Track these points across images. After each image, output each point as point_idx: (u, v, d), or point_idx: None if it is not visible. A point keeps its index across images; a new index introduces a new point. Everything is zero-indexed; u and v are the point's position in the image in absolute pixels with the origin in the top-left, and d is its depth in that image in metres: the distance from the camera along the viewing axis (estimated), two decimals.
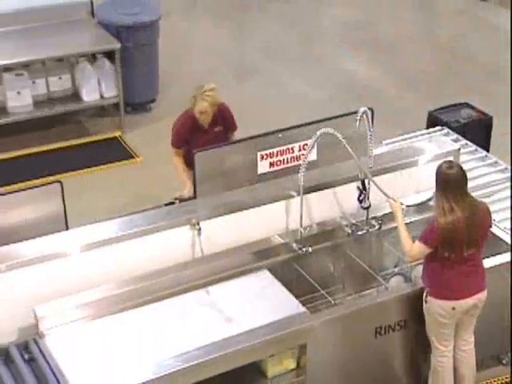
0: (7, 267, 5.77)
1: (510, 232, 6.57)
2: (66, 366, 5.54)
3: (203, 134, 7.43)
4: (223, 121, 7.51)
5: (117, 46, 9.46)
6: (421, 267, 6.25)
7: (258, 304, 6.09)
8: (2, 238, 6.04)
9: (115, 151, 9.44)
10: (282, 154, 7.01)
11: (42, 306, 5.80)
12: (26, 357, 5.66)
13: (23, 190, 6.49)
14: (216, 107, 7.35)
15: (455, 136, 7.76)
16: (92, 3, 9.94)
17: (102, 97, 9.70)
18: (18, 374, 5.56)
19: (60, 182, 6.29)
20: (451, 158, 6.67)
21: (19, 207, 6.22)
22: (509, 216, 6.83)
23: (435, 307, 5.95)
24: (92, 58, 9.70)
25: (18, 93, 9.36)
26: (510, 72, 9.94)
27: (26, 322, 5.83)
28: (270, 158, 7.01)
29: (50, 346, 5.69)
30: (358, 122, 6.34)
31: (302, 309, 6.05)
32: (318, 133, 6.26)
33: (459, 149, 7.19)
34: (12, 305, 5.81)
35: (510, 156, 7.15)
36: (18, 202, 6.24)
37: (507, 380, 6.64)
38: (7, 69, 9.25)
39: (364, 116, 6.36)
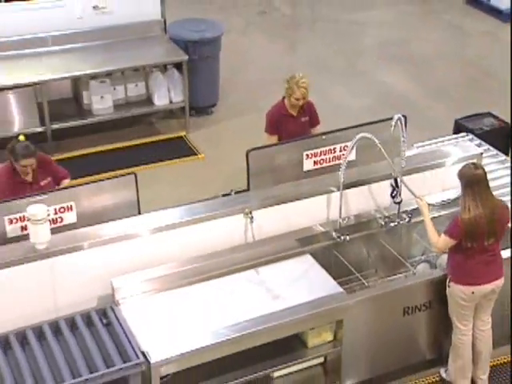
0: (89, 245, 5.94)
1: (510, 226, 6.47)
2: (137, 330, 5.68)
3: (292, 121, 7.52)
4: (309, 113, 7.59)
5: (185, 58, 9.59)
6: (445, 256, 6.32)
7: (301, 284, 6.18)
8: (87, 220, 6.20)
9: (180, 149, 9.56)
10: (324, 154, 7.04)
11: (117, 279, 5.97)
12: (104, 321, 5.79)
13: (104, 179, 6.63)
14: (307, 96, 7.42)
15: (478, 141, 7.74)
16: (165, 22, 10.08)
17: (170, 101, 9.84)
18: (98, 336, 5.69)
19: (134, 173, 6.42)
20: (474, 161, 6.69)
21: (100, 194, 6.38)
22: None
23: (457, 291, 6.02)
24: (163, 68, 9.84)
25: (102, 97, 9.57)
26: (510, 75, 9.99)
27: (104, 291, 5.99)
28: (315, 157, 7.04)
29: (123, 312, 5.84)
30: (392, 128, 6.38)
31: (340, 289, 6.12)
32: (358, 136, 6.34)
33: (482, 153, 7.20)
34: (93, 277, 5.98)
35: (510, 154, 7.09)
36: (99, 190, 6.39)
37: None
38: (93, 77, 9.47)
39: (398, 122, 6.40)
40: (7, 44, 9.41)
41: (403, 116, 6.50)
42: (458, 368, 6.30)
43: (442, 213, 6.78)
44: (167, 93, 9.78)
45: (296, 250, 6.48)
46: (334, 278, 6.24)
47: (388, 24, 12.58)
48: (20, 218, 6.03)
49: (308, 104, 7.57)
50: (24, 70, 9.22)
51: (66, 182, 6.97)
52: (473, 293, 5.99)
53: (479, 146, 7.56)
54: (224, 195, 6.91)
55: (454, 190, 6.71)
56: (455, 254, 6.03)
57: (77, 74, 9.45)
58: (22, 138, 6.65)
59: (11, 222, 6.08)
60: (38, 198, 6.05)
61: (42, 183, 6.74)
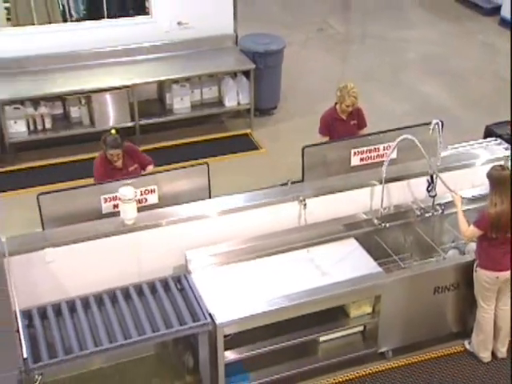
0: (167, 222, 6.06)
1: None
2: (206, 296, 5.77)
3: (342, 124, 7.47)
4: (357, 117, 7.54)
5: (252, 67, 9.62)
6: (473, 244, 6.27)
7: (346, 263, 6.18)
8: (166, 201, 6.30)
9: (246, 144, 9.59)
10: (370, 152, 7.00)
11: (190, 252, 6.06)
12: (178, 287, 5.90)
13: (181, 168, 6.71)
14: (356, 103, 7.40)
15: (506, 145, 7.59)
16: (236, 36, 10.11)
17: (238, 103, 9.86)
18: (173, 299, 5.80)
19: (207, 164, 6.47)
20: (502, 163, 6.64)
21: (178, 180, 6.46)
22: None
23: (482, 276, 6.00)
24: (234, 75, 9.85)
25: (181, 99, 9.65)
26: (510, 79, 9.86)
27: (179, 262, 6.10)
28: (361, 154, 7.00)
29: (194, 280, 5.92)
30: (431, 131, 6.37)
31: (379, 269, 6.12)
32: (400, 137, 6.31)
33: (508, 156, 7.11)
34: (170, 249, 6.08)
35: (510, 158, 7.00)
36: (177, 177, 6.48)
37: None
38: (175, 81, 9.56)
39: (435, 126, 6.38)
40: (107, 53, 9.57)
41: (440, 121, 6.47)
42: (480, 341, 6.28)
43: (471, 207, 6.68)
44: (236, 96, 9.81)
45: (342, 233, 6.46)
46: (375, 260, 6.22)
47: (429, 41, 12.45)
48: (113, 197, 6.14)
49: (357, 109, 7.53)
50: (119, 75, 9.36)
51: (150, 167, 7.04)
52: (497, 278, 5.96)
53: (506, 149, 7.41)
54: (282, 185, 6.86)
55: (483, 187, 6.63)
56: (482, 242, 6.00)
57: (162, 78, 9.54)
58: (113, 132, 6.77)
59: (106, 200, 6.21)
60: (128, 181, 6.15)
61: (130, 169, 6.83)
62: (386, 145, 6.91)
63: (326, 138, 7.48)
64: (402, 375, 6.21)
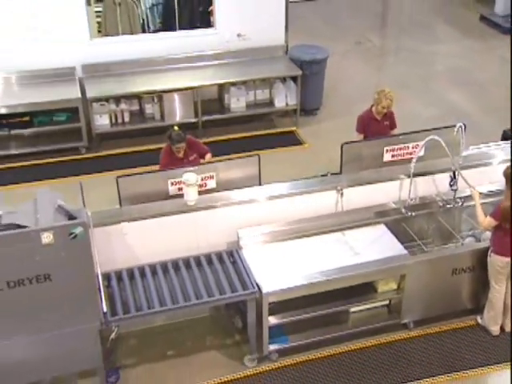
0: (222, 205, 6.07)
1: None
2: (254, 268, 5.79)
3: (377, 124, 7.40)
4: (390, 119, 7.47)
5: (299, 73, 9.55)
6: (488, 233, 6.18)
7: (376, 245, 6.12)
8: (223, 186, 6.32)
9: (291, 139, 9.53)
10: (400, 150, 6.93)
11: (241, 230, 6.07)
12: (231, 260, 5.94)
13: (236, 158, 6.72)
14: (391, 106, 7.34)
15: None
16: (287, 46, 10.05)
17: (286, 104, 9.79)
18: (226, 270, 5.84)
19: (258, 155, 6.47)
20: None
21: (233, 169, 6.47)
22: None
23: (496, 261, 5.91)
24: (283, 80, 9.79)
25: (238, 99, 9.65)
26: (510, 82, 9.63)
27: (232, 238, 6.11)
28: (392, 151, 6.93)
29: (245, 255, 5.95)
30: (455, 133, 6.30)
31: (405, 251, 6.05)
32: (428, 138, 6.24)
33: None
34: (224, 227, 6.09)
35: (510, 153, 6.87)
36: (232, 166, 6.49)
37: None
38: (233, 84, 9.56)
39: (459, 129, 6.32)
40: (177, 59, 9.61)
41: (463, 125, 6.41)
42: (491, 316, 6.19)
43: (488, 200, 6.52)
44: (284, 98, 9.75)
45: (373, 220, 6.40)
46: (401, 243, 6.15)
47: (455, 55, 12.22)
48: (178, 182, 6.18)
49: (390, 112, 7.46)
50: (186, 78, 9.38)
51: (209, 156, 7.05)
52: (508, 262, 5.85)
53: None
54: (322, 176, 6.88)
55: (499, 183, 6.45)
56: (497, 232, 5.88)
57: (222, 81, 9.56)
58: (176, 128, 6.81)
59: (172, 184, 6.25)
60: (191, 168, 6.20)
61: (190, 158, 6.86)
62: (414, 144, 6.82)
63: (361, 136, 7.42)
64: (420, 344, 6.15)
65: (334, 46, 10.96)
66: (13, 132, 8.92)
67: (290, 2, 10.05)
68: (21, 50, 9.04)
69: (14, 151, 8.92)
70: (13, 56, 9.03)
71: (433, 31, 13.56)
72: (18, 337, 5.11)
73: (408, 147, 6.94)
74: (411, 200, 6.46)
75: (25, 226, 4.81)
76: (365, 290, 6.13)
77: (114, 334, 5.69)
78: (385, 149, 6.93)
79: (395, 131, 7.52)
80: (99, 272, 5.18)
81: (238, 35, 9.84)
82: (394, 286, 6.17)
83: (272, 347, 5.88)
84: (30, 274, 4.86)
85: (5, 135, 8.90)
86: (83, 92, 8.96)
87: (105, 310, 5.22)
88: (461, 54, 12.42)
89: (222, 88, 9.76)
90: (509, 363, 5.89)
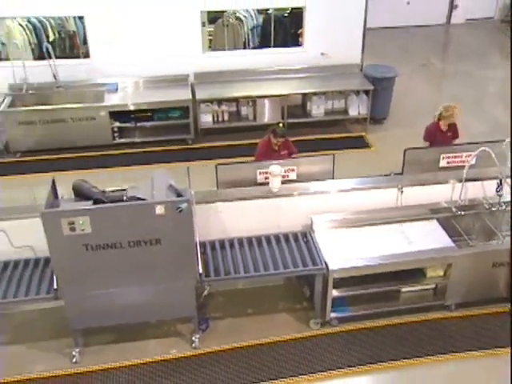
0: (300, 193, 6.00)
1: None
2: (323, 248, 5.69)
3: (442, 135, 7.18)
4: (453, 130, 7.22)
5: (371, 88, 9.32)
6: None
7: (428, 237, 5.90)
8: (302, 178, 6.24)
9: (361, 143, 9.31)
10: (455, 158, 6.70)
11: (315, 216, 5.97)
12: (304, 240, 5.85)
13: (314, 155, 6.63)
14: (455, 119, 7.14)
15: None
16: (362, 65, 9.84)
17: (358, 113, 9.56)
18: (300, 248, 5.73)
19: (333, 154, 6.38)
20: None
21: (311, 164, 6.40)
22: None
23: None
24: (357, 92, 9.57)
25: (318, 106, 9.51)
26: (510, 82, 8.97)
27: (306, 222, 6.01)
28: (448, 159, 6.71)
29: (316, 237, 5.85)
30: (503, 146, 6.02)
31: (452, 244, 5.81)
32: (479, 149, 5.93)
33: None
34: (300, 212, 5.99)
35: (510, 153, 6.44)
36: (311, 162, 6.42)
37: None
38: (315, 94, 9.43)
39: (507, 143, 6.05)
40: (270, 71, 9.55)
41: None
42: None
43: None
44: (357, 108, 9.53)
45: (427, 215, 6.17)
46: (450, 237, 5.90)
47: (504, 80, 11.62)
48: (265, 172, 6.14)
49: (453, 124, 7.20)
50: (276, 87, 9.31)
51: (295, 155, 6.97)
52: None
53: None
54: (386, 175, 6.70)
55: None
56: None
57: (305, 91, 9.43)
58: (281, 125, 6.75)
59: (260, 173, 6.23)
60: (277, 161, 6.16)
61: (282, 153, 6.80)
62: (467, 153, 6.54)
63: (428, 143, 7.19)
64: (460, 323, 5.91)
65: (402, 67, 10.62)
66: (138, 124, 9.09)
67: (368, 28, 9.80)
68: (148, 61, 9.26)
69: (137, 139, 9.12)
70: (142, 65, 9.26)
71: (486, 58, 12.94)
72: (133, 286, 5.23)
73: (462, 156, 6.70)
74: (461, 201, 6.22)
75: (144, 199, 4.91)
76: (415, 274, 5.94)
77: (206, 291, 5.77)
78: (441, 156, 6.71)
79: (457, 141, 7.25)
80: (197, 241, 5.23)
81: (322, 54, 9.68)
82: (441, 273, 5.94)
83: (333, 315, 5.79)
84: (145, 237, 4.96)
85: (131, 127, 9.09)
86: (194, 94, 9.06)
87: (200, 271, 5.26)
88: (509, 78, 11.82)
89: (305, 96, 9.63)
90: None
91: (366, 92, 9.43)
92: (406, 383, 5.35)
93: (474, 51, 13.31)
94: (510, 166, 6.11)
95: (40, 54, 9.38)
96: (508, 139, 6.05)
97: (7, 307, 5.80)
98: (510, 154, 6.08)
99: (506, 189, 6.08)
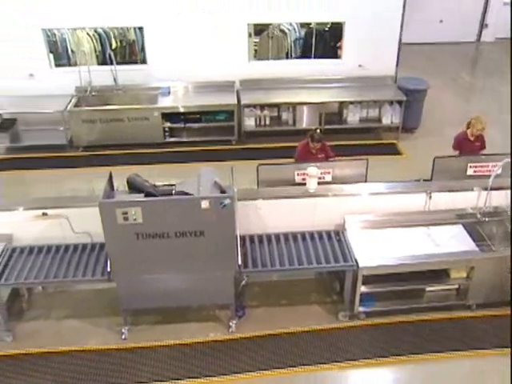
0: (334, 194, 5.85)
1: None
2: (354, 246, 5.59)
3: (470, 144, 6.97)
4: (480, 141, 7.03)
5: (404, 98, 9.11)
6: None
7: (453, 241, 5.72)
8: (337, 180, 6.16)
9: (392, 150, 9.10)
10: (481, 167, 6.49)
11: (347, 216, 5.86)
12: (337, 238, 5.75)
13: (349, 160, 6.55)
14: (483, 130, 6.93)
15: None
16: (396, 76, 9.62)
17: (391, 122, 9.35)
18: (332, 245, 5.64)
19: (367, 159, 6.26)
20: None
21: (346, 168, 6.30)
22: None
23: None
24: (390, 102, 9.35)
25: (353, 114, 9.34)
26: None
27: (339, 221, 5.90)
28: (475, 167, 6.50)
29: (348, 235, 5.75)
30: None
31: (476, 248, 5.63)
32: (504, 160, 5.74)
33: None
34: (334, 212, 5.88)
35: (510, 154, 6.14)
36: (346, 165, 6.32)
37: None
38: (351, 102, 9.29)
39: None
40: (310, 80, 9.42)
41: None
42: None
43: None
44: (390, 117, 9.32)
45: (453, 220, 5.99)
46: (474, 241, 5.72)
47: None
48: (303, 173, 6.06)
49: (481, 135, 6.99)
50: (315, 95, 9.19)
51: (332, 159, 6.84)
52: None
53: None
54: (415, 181, 6.54)
55: None
56: None
57: (342, 100, 9.28)
58: (318, 131, 6.65)
59: (298, 174, 6.16)
60: (314, 164, 6.07)
61: (319, 156, 6.69)
62: (493, 163, 6.34)
63: (457, 152, 6.99)
64: (480, 322, 5.73)
65: (433, 80, 10.33)
66: (187, 125, 9.12)
67: (402, 43, 9.56)
68: (198, 68, 9.27)
69: (185, 139, 9.13)
70: (192, 71, 9.27)
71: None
72: (178, 273, 5.24)
73: (488, 165, 6.49)
74: (486, 208, 6.00)
75: (190, 194, 4.90)
76: (440, 274, 5.78)
77: (244, 281, 5.74)
78: (469, 165, 6.51)
79: (484, 151, 7.03)
80: (238, 234, 5.20)
81: (359, 65, 9.51)
82: (464, 275, 5.76)
83: (361, 309, 5.67)
84: (190, 228, 4.95)
85: (181, 127, 9.12)
86: (239, 99, 9.02)
87: (239, 262, 5.22)
88: None
89: (342, 105, 9.45)
90: None
91: (399, 102, 9.22)
92: (427, 376, 5.21)
93: (501, 68, 12.86)
94: None
95: (103, 60, 9.55)
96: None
97: (67, 286, 5.93)
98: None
99: None
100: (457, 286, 5.87)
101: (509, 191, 6.05)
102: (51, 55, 9.28)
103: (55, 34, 9.46)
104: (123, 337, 5.49)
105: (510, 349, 5.35)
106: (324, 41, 10.08)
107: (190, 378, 5.12)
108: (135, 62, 9.78)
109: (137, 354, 5.33)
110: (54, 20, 8.88)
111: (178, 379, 5.11)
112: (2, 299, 5.49)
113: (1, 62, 8.93)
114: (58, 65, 9.42)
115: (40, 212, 5.54)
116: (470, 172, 6.53)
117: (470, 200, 6.10)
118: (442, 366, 5.25)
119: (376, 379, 5.18)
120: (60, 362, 5.24)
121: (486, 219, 5.97)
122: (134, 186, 5.10)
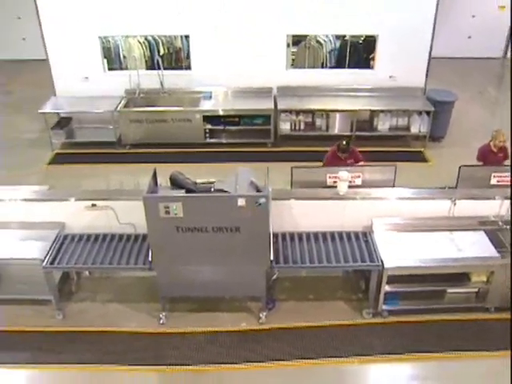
0: (364, 197, 5.74)
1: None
2: (381, 248, 5.49)
3: (493, 156, 6.82)
4: (504, 152, 6.85)
5: (432, 109, 8.89)
6: None
7: (475, 246, 5.56)
8: (366, 184, 6.03)
9: (420, 157, 8.89)
10: (505, 177, 6.28)
11: (375, 219, 5.76)
12: (364, 239, 5.66)
13: (378, 165, 6.37)
14: (505, 142, 6.78)
15: None
16: (425, 88, 9.41)
17: (419, 131, 9.14)
18: (360, 246, 5.54)
19: (395, 165, 6.13)
20: None
21: (375, 173, 6.15)
22: None
23: None
24: (419, 113, 9.14)
25: (383, 122, 9.17)
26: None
27: (366, 223, 5.77)
28: (498, 177, 6.31)
29: (375, 237, 5.65)
30: None
31: (497, 254, 5.45)
32: None
33: None
34: (362, 215, 5.77)
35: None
36: (375, 170, 6.16)
37: None
38: (382, 111, 9.09)
39: None
40: (343, 89, 9.29)
41: None
42: None
43: None
44: (418, 126, 9.12)
45: (476, 227, 5.81)
46: (494, 247, 5.54)
47: None
48: (334, 176, 6.00)
49: (504, 146, 6.80)
50: (348, 103, 9.07)
51: (361, 163, 6.72)
52: None
53: None
54: (441, 188, 6.36)
55: None
56: None
57: (373, 108, 9.11)
58: (344, 142, 6.55)
59: (329, 177, 6.09)
60: (345, 168, 6.01)
61: (348, 162, 6.61)
62: None
63: (480, 163, 6.82)
64: (497, 324, 5.55)
65: (461, 93, 10.04)
66: (226, 127, 9.13)
67: (433, 57, 9.33)
68: (238, 74, 9.26)
69: (224, 140, 9.15)
70: (233, 78, 9.28)
71: None
72: (213, 265, 5.25)
73: (511, 176, 6.25)
74: (507, 216, 5.81)
75: (228, 192, 4.90)
76: (461, 277, 5.63)
77: (275, 276, 5.69)
78: (492, 174, 6.33)
79: (507, 162, 6.82)
80: (271, 231, 5.18)
81: (390, 77, 9.34)
82: (484, 279, 5.61)
83: (385, 307, 5.57)
84: (227, 224, 4.95)
85: (220, 129, 9.14)
86: (276, 105, 8.98)
87: (272, 258, 5.20)
88: None
89: (373, 113, 9.29)
90: None
91: (428, 113, 9.01)
92: (445, 374, 5.08)
93: None
94: None
95: (151, 65, 9.68)
96: None
97: (111, 272, 6.02)
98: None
99: None
100: (477, 290, 5.71)
101: None
102: (105, 60, 9.47)
103: (109, 41, 9.67)
104: (161, 321, 5.55)
105: (509, 349, 5.19)
106: (358, 52, 9.96)
107: (220, 363, 5.13)
108: (180, 68, 9.88)
109: (172, 337, 5.37)
110: (109, 28, 9.07)
111: (210, 363, 5.13)
112: (55, 281, 5.62)
113: (60, 67, 9.19)
114: (110, 69, 9.60)
115: (90, 203, 5.65)
116: (493, 181, 6.34)
117: (492, 208, 5.90)
118: (459, 365, 5.12)
119: (395, 374, 5.09)
120: (103, 340, 5.33)
121: (507, 227, 5.76)
122: (175, 183, 5.13)
